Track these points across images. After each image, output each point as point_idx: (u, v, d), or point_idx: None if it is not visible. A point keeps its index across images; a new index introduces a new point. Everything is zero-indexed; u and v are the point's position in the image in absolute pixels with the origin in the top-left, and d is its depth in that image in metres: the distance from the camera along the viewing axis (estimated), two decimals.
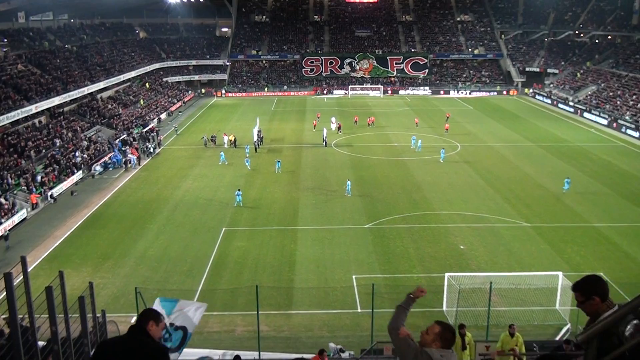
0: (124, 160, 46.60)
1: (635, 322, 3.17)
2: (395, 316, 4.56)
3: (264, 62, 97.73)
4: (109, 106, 64.95)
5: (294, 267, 27.38)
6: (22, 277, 7.20)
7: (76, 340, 8.91)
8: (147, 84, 79.48)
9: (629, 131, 58.00)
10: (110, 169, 46.02)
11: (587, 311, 3.88)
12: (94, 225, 33.83)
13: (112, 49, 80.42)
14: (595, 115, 65.91)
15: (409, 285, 24.87)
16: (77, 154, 46.48)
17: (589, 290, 3.85)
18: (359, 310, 23.26)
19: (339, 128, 59.13)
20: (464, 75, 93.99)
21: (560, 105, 75.04)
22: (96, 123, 58.05)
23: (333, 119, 60.68)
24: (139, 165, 47.07)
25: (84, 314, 9.26)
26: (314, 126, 60.42)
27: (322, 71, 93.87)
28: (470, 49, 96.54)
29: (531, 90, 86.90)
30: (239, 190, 36.74)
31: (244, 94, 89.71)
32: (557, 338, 20.68)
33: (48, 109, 53.14)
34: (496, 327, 19.95)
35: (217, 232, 31.85)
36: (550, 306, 22.68)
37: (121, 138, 55.05)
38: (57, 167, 42.89)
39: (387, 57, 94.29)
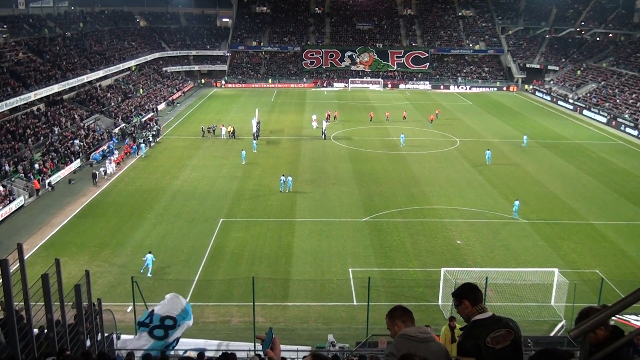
0: (91, 172, 40.58)
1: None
2: None
3: (264, 53, 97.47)
4: (108, 95, 64.77)
5: (291, 259, 27.43)
6: (18, 264, 7.20)
7: (72, 327, 8.92)
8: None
9: (627, 129, 58.04)
10: (109, 157, 45.88)
11: (461, 315, 4.19)
12: (92, 213, 33.81)
13: (112, 38, 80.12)
14: (595, 112, 65.91)
15: (405, 279, 25.06)
16: (75, 142, 46.38)
17: (460, 295, 4.18)
18: (355, 303, 23.33)
19: (327, 118, 59.70)
20: (465, 71, 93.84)
21: (560, 102, 75.03)
22: (95, 111, 57.92)
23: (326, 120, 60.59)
24: (139, 155, 47.00)
25: (79, 302, 9.28)
26: (335, 117, 61.82)
27: (322, 64, 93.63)
28: (471, 44, 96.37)
29: (531, 87, 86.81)
30: (150, 252, 26.42)
31: (243, 85, 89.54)
32: (552, 334, 20.78)
33: (47, 97, 52.99)
34: None
35: (214, 223, 31.87)
36: (546, 302, 22.78)
37: (120, 127, 55.00)
38: (56, 155, 42.81)
39: (388, 51, 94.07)
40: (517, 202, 32.94)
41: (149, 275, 25.36)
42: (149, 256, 25.89)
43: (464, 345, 3.98)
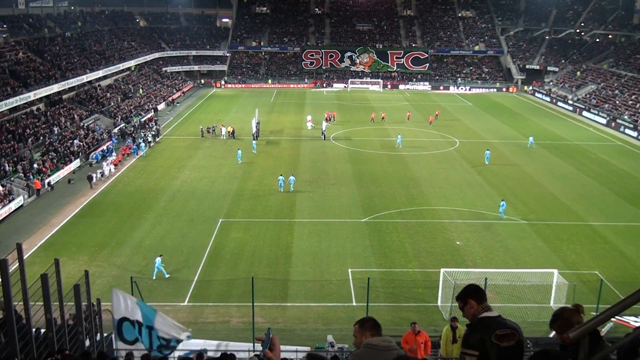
0: (87, 175, 39.51)
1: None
2: None
3: (264, 53, 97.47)
4: (108, 95, 64.76)
5: (290, 259, 27.42)
6: (17, 264, 7.19)
7: (71, 327, 8.92)
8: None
9: (627, 130, 58.07)
10: (108, 157, 45.88)
11: (467, 315, 4.22)
12: (91, 213, 33.80)
13: (112, 37, 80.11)
14: (594, 114, 65.94)
15: (405, 279, 25.05)
16: (75, 142, 46.35)
17: (466, 295, 4.23)
18: (354, 303, 23.30)
19: (327, 119, 59.64)
20: (464, 71, 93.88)
21: (560, 104, 75.06)
22: (95, 111, 57.90)
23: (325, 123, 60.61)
24: (139, 154, 46.93)
25: (79, 302, 9.28)
26: (333, 118, 61.73)
27: (322, 64, 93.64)
28: (470, 45, 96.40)
29: (531, 88, 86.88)
30: (160, 255, 26.00)
31: (243, 85, 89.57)
32: (551, 335, 20.76)
33: (47, 97, 52.97)
34: None
35: (214, 223, 31.86)
36: (545, 303, 22.77)
37: (119, 127, 54.97)
38: (55, 155, 42.78)
39: (388, 52, 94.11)
40: (503, 203, 33.06)
41: (153, 277, 25.18)
42: (158, 259, 25.33)
43: (469, 339, 4.05)
